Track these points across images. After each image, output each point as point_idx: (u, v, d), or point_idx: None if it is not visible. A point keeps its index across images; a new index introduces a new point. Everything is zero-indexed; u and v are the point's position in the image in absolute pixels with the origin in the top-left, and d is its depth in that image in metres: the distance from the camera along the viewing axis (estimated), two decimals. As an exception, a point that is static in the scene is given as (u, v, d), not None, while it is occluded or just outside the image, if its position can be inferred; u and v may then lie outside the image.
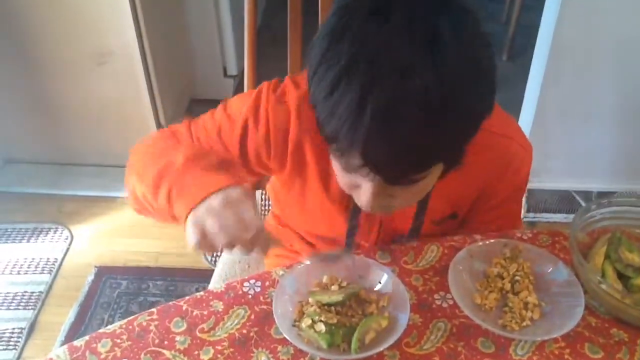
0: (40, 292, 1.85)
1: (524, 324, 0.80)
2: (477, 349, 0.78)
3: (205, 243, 0.71)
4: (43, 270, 1.92)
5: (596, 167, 2.11)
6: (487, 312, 0.82)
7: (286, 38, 1.25)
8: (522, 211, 2.15)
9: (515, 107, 2.14)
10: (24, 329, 1.74)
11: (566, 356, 0.77)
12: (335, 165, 0.76)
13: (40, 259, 1.96)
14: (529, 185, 2.10)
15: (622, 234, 0.90)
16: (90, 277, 1.89)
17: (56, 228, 2.07)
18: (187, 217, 0.72)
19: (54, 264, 1.94)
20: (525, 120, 2.07)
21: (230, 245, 0.71)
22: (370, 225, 0.95)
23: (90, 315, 1.78)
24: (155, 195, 0.78)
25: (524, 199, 2.13)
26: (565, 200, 2.14)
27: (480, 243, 0.89)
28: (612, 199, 0.92)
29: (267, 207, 1.52)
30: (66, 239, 2.03)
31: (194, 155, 0.80)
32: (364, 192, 0.73)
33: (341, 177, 0.76)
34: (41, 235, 2.05)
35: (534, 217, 2.15)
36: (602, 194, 2.14)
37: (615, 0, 1.72)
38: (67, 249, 2.00)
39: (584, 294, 0.82)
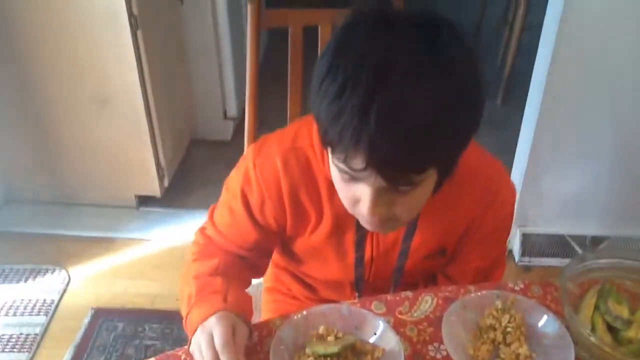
0: (36, 334, 1.85)
1: (516, 376, 0.81)
2: (470, 401, 0.80)
3: None
4: (39, 311, 1.92)
5: (590, 211, 2.13)
6: (479, 363, 0.83)
7: (287, 75, 1.29)
8: (517, 255, 2.17)
9: (509, 150, 2.18)
10: (18, 372, 1.74)
11: (558, 409, 0.79)
12: (337, 180, 0.79)
13: (37, 300, 1.96)
14: (525, 230, 2.15)
15: (612, 285, 0.92)
16: (87, 319, 1.89)
17: (54, 269, 2.08)
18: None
19: (50, 306, 1.94)
20: (520, 164, 2.11)
21: None
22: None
23: (85, 358, 1.77)
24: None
25: (518, 243, 2.15)
26: (559, 245, 2.16)
27: (473, 294, 0.91)
28: (602, 250, 0.94)
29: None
30: (63, 280, 2.04)
31: (201, 287, 0.90)
32: (364, 200, 0.75)
33: (343, 190, 0.80)
34: (38, 276, 2.06)
35: (529, 262, 2.16)
36: (595, 239, 2.16)
37: (607, 47, 1.77)
38: (64, 290, 2.01)
39: (575, 345, 0.84)
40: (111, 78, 2.07)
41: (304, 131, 0.92)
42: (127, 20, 1.93)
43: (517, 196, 2.12)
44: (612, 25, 1.74)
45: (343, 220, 0.92)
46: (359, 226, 0.91)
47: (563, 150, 2.00)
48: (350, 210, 0.82)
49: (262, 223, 0.95)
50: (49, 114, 2.16)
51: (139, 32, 2.00)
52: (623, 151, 1.99)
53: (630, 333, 0.85)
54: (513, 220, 1.98)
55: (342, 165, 0.73)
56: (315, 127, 0.87)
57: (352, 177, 0.75)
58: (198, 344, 0.80)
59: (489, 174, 0.93)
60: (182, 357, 0.85)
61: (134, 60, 2.02)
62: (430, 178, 0.76)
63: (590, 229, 2.16)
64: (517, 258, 2.17)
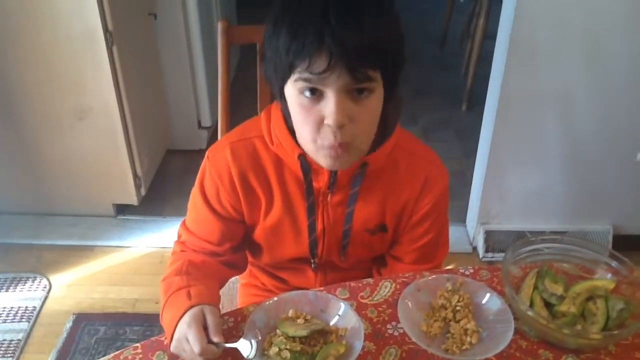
0: (19, 339, 1.91)
1: (464, 347, 0.91)
2: (424, 370, 0.90)
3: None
4: (22, 318, 1.98)
5: (548, 208, 2.26)
6: (432, 338, 0.93)
7: (257, 86, 1.37)
8: (481, 251, 2.29)
9: (474, 154, 2.31)
10: (3, 376, 1.79)
11: (499, 374, 0.89)
12: (299, 111, 0.89)
13: (19, 307, 2.02)
14: (487, 227, 2.27)
15: (550, 267, 1.04)
16: (69, 324, 1.95)
17: (35, 277, 2.14)
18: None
19: (32, 312, 2.00)
20: (481, 165, 2.23)
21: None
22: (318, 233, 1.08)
23: (68, 361, 1.84)
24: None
25: (482, 240, 2.27)
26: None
27: (425, 278, 1.02)
28: (539, 238, 1.06)
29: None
30: (44, 287, 2.10)
31: (166, 288, 1.00)
32: (329, 108, 0.85)
33: (306, 118, 0.89)
34: (20, 285, 2.11)
35: (492, 257, 2.28)
36: (555, 234, 2.28)
37: (555, 55, 1.91)
38: (46, 297, 2.06)
39: (517, 320, 0.95)
40: (88, 92, 2.14)
41: (250, 126, 1.05)
42: (103, 36, 2.01)
43: (480, 195, 2.25)
44: (560, 35, 1.87)
45: (292, 195, 1.04)
46: (308, 195, 1.02)
47: (520, 152, 2.13)
48: (313, 139, 0.91)
49: (222, 212, 1.06)
50: (28, 126, 2.22)
51: (114, 48, 2.08)
52: (574, 152, 2.12)
53: (563, 307, 0.96)
54: (478, 219, 2.07)
55: (306, 75, 0.84)
56: (264, 117, 1.01)
57: (314, 97, 0.86)
58: (182, 350, 0.90)
59: (422, 158, 1.06)
60: (165, 342, 0.94)
61: (110, 74, 2.10)
62: (379, 92, 0.89)
63: (549, 225, 2.29)
64: (481, 254, 2.29)
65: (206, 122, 2.84)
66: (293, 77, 0.86)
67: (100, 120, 2.21)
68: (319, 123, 0.88)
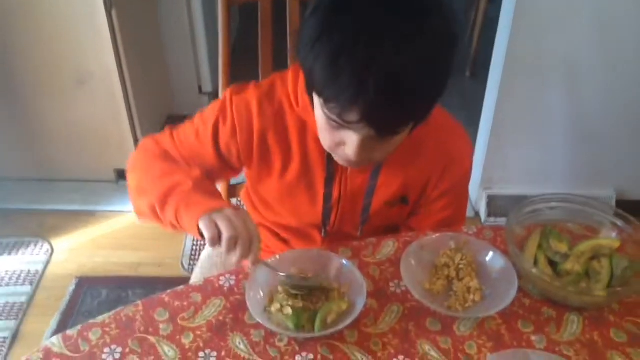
0: (22, 302, 1.92)
1: (467, 305, 0.91)
2: (426, 327, 0.89)
3: (215, 235, 0.84)
4: (25, 281, 1.99)
5: (550, 174, 2.25)
6: (435, 296, 0.93)
7: (258, 55, 1.35)
8: (483, 216, 2.28)
9: (478, 121, 2.28)
10: (7, 338, 1.80)
11: (502, 331, 0.89)
12: (322, 125, 0.87)
13: (22, 271, 2.03)
14: (490, 192, 2.26)
15: (554, 227, 1.03)
16: (71, 288, 1.96)
17: (37, 241, 2.14)
18: (198, 221, 0.86)
19: (35, 276, 2.01)
20: (484, 130, 2.22)
21: (234, 241, 0.84)
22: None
23: (71, 323, 1.84)
24: (162, 209, 0.92)
25: (484, 205, 2.26)
26: (523, 206, 2.28)
27: (429, 237, 1.01)
28: (544, 197, 1.05)
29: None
30: (47, 251, 2.10)
31: (198, 181, 0.94)
32: (350, 146, 0.84)
33: (327, 134, 0.87)
34: (22, 249, 2.11)
35: (495, 221, 2.28)
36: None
37: (562, 18, 1.87)
38: (48, 261, 2.07)
39: (520, 279, 0.94)
40: (88, 57, 2.11)
41: (278, 83, 1.00)
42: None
43: (483, 161, 2.23)
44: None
45: (312, 160, 1.01)
46: (329, 164, 1.00)
47: (523, 118, 2.11)
48: (330, 149, 0.91)
49: (225, 153, 1.02)
50: (28, 93, 2.19)
51: (113, 11, 2.04)
52: (577, 118, 2.10)
53: (568, 265, 0.96)
54: (480, 184, 2.06)
55: (334, 117, 0.81)
56: (291, 76, 0.97)
57: (342, 126, 0.82)
58: (226, 217, 0.84)
59: (448, 134, 1.03)
60: (166, 300, 0.93)
61: (110, 39, 2.07)
62: (408, 126, 0.86)
63: (552, 190, 2.26)
64: (483, 219, 2.29)
65: (207, 87, 2.82)
66: (322, 103, 0.82)
67: (100, 85, 2.18)
68: (340, 143, 0.87)
